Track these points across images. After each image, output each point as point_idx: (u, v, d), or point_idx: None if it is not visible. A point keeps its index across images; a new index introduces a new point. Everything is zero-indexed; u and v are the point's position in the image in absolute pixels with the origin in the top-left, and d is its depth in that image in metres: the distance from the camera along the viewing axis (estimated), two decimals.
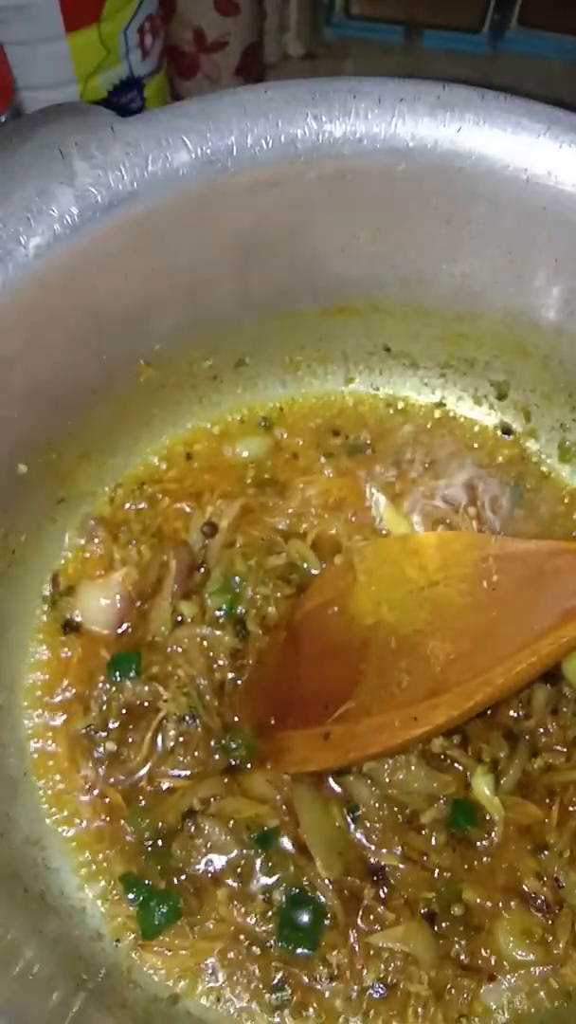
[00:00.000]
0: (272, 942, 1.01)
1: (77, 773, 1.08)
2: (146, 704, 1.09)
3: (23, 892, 1.01)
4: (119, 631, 1.13)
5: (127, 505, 1.19)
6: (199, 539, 1.16)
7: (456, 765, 1.04)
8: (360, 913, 1.01)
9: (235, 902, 1.02)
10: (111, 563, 1.15)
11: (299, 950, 1.00)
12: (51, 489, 1.13)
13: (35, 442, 1.08)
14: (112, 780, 1.07)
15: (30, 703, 1.11)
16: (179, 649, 1.10)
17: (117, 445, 1.17)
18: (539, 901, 1.01)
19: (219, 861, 1.03)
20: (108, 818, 1.06)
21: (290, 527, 1.17)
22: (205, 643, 1.10)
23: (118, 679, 1.09)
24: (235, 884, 1.02)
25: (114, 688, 1.10)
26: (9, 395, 1.02)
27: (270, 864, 1.02)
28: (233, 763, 1.06)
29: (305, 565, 1.14)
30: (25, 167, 0.91)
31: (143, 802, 1.06)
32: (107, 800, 1.06)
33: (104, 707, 1.09)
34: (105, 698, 1.09)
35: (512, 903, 1.01)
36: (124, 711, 1.09)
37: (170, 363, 1.13)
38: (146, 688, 1.09)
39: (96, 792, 1.07)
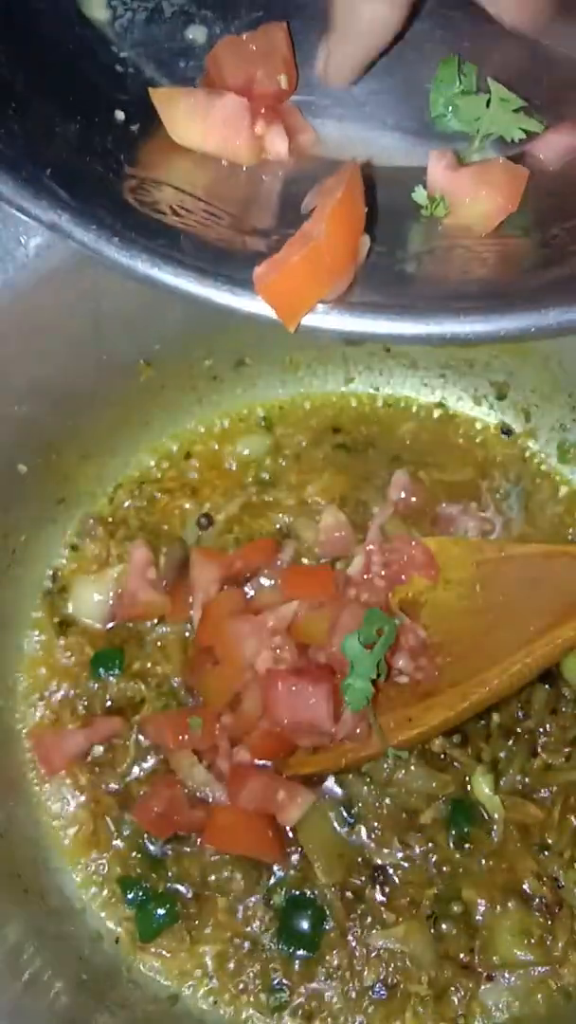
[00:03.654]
0: (272, 944, 1.01)
1: (72, 775, 1.08)
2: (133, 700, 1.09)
3: (23, 892, 1.01)
4: (110, 626, 1.13)
5: (126, 504, 1.19)
6: (194, 531, 1.16)
7: (456, 764, 1.04)
8: (361, 914, 1.01)
9: (234, 905, 1.02)
10: (107, 560, 1.15)
11: (299, 952, 1.00)
12: (51, 489, 1.13)
13: (35, 442, 1.08)
14: (104, 786, 1.07)
15: (29, 703, 1.11)
16: (160, 644, 1.11)
17: (117, 445, 1.17)
18: (539, 901, 1.01)
19: (217, 864, 1.03)
20: (104, 821, 1.06)
21: (290, 526, 1.17)
22: (185, 636, 1.11)
23: (102, 675, 1.10)
24: (233, 887, 1.02)
25: (98, 686, 1.10)
26: (9, 395, 1.02)
27: (269, 867, 1.02)
28: None
29: (305, 561, 1.14)
30: None
31: (136, 805, 1.06)
32: (100, 805, 1.06)
33: (87, 706, 1.10)
34: (86, 698, 1.10)
35: (512, 903, 1.01)
36: (109, 707, 1.09)
37: (170, 363, 1.13)
38: (131, 684, 1.09)
39: (90, 796, 1.07)
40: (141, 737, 1.08)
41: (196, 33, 0.79)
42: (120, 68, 0.77)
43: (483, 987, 0.99)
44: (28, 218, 0.65)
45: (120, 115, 0.74)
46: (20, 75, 0.70)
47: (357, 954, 1.00)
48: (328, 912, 1.01)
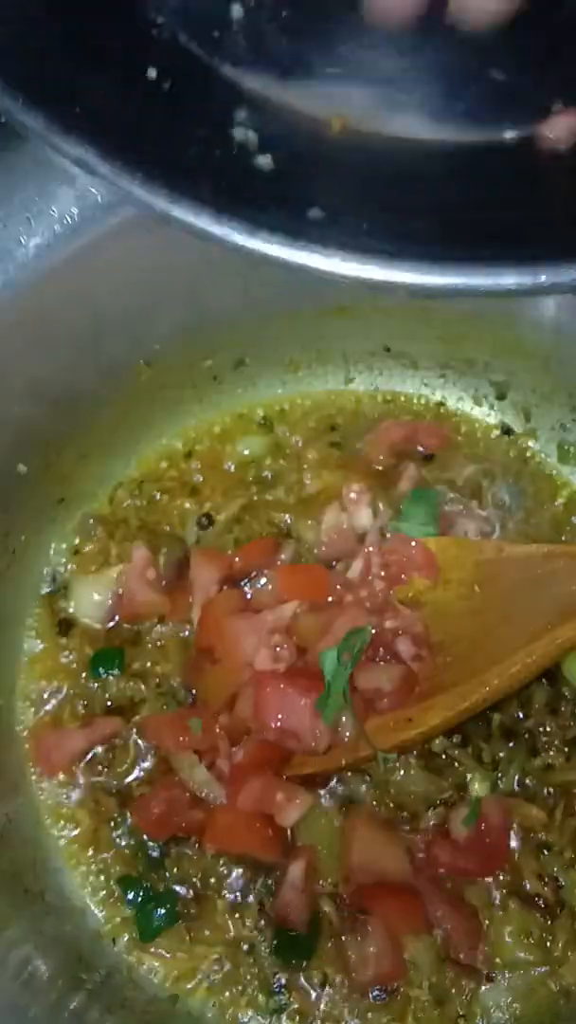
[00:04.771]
0: (269, 949, 1.01)
1: (73, 776, 1.07)
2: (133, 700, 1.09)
3: (23, 892, 1.01)
4: (110, 626, 1.13)
5: (126, 503, 1.19)
6: (194, 531, 1.16)
7: (456, 765, 1.03)
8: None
9: (232, 908, 1.01)
10: (107, 559, 1.15)
11: (294, 962, 1.00)
12: (51, 489, 1.13)
13: (35, 442, 1.08)
14: (104, 786, 1.07)
15: (29, 703, 1.11)
16: (160, 644, 1.11)
17: (117, 445, 1.17)
18: (539, 901, 1.01)
19: (215, 868, 1.03)
20: (104, 821, 1.06)
21: (290, 525, 1.17)
22: (184, 636, 1.11)
23: (102, 675, 1.10)
24: (232, 891, 1.02)
25: (98, 686, 1.10)
26: (9, 395, 1.02)
27: (267, 872, 1.02)
28: None
29: (304, 562, 1.14)
30: (26, 167, 0.92)
31: (136, 805, 1.05)
32: (100, 805, 1.06)
33: (86, 706, 1.09)
34: (86, 698, 1.10)
35: (512, 903, 1.01)
36: (109, 707, 1.09)
37: (170, 363, 1.13)
38: (131, 684, 1.09)
39: (90, 796, 1.07)
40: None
41: (234, 9, 0.80)
42: (155, 32, 0.78)
43: (483, 987, 0.99)
44: (57, 152, 0.66)
45: (152, 72, 0.75)
46: (56, 23, 0.71)
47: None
48: (324, 919, 1.00)
